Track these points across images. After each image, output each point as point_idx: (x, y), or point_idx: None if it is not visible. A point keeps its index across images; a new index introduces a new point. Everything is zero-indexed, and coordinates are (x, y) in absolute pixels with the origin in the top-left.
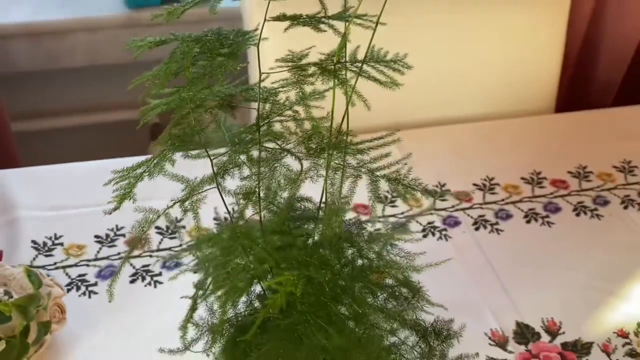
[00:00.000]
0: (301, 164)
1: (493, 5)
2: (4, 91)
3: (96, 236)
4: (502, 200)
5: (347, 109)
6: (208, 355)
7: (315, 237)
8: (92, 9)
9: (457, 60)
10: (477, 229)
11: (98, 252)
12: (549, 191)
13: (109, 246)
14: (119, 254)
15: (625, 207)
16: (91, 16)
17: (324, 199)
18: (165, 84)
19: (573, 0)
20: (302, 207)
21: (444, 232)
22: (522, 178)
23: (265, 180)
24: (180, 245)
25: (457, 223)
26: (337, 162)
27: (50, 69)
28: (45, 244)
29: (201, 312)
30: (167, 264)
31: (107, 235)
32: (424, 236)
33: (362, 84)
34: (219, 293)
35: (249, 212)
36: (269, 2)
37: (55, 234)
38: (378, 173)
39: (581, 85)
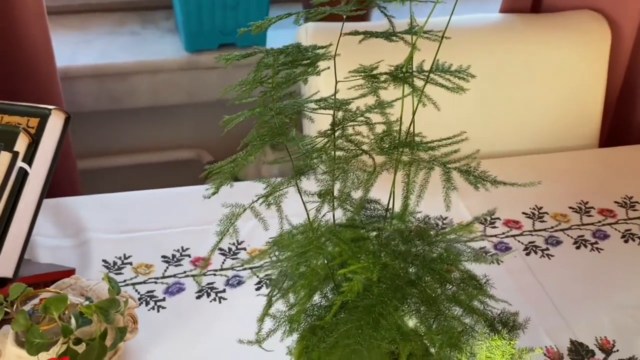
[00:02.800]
0: (374, 161)
1: (540, 48)
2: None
3: (163, 256)
4: (552, 227)
5: (414, 112)
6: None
7: (386, 232)
8: (154, 52)
9: (503, 98)
10: (527, 254)
11: (165, 270)
12: (596, 219)
13: (175, 265)
14: (184, 272)
15: None
16: (153, 59)
17: (395, 198)
18: (252, 90)
19: (613, 43)
20: (372, 207)
21: (495, 256)
22: (570, 207)
23: (340, 180)
24: (242, 265)
25: (508, 248)
26: (409, 157)
27: (113, 109)
28: (115, 263)
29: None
30: (230, 281)
31: (174, 256)
32: (475, 262)
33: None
34: (299, 284)
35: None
36: (343, 22)
37: (124, 254)
38: (450, 166)
39: (622, 125)
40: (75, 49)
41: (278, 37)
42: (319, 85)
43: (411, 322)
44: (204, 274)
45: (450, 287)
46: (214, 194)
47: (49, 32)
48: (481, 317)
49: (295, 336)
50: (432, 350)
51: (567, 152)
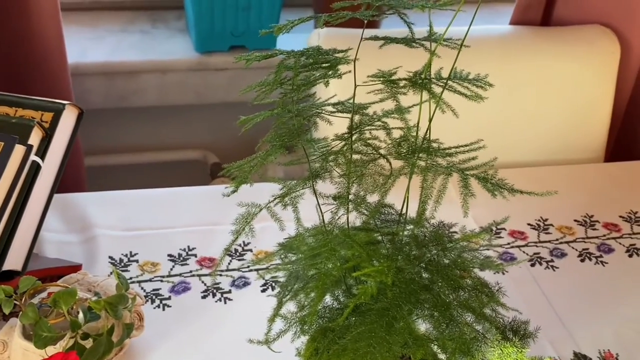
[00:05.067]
0: (391, 166)
1: (549, 61)
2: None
3: (169, 255)
4: (557, 239)
5: (430, 118)
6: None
7: (401, 236)
8: (164, 52)
9: (510, 110)
10: (532, 265)
11: (171, 269)
12: (601, 233)
13: (181, 264)
14: (190, 272)
15: None
16: (162, 59)
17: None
18: (272, 90)
19: (622, 58)
20: (386, 212)
21: (488, 269)
22: (575, 220)
23: (356, 183)
24: (248, 267)
25: (512, 259)
26: (427, 162)
27: (120, 107)
28: (121, 260)
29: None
30: (236, 282)
31: (180, 255)
32: (481, 270)
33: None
34: (310, 286)
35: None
36: (364, 27)
37: (130, 252)
38: (468, 172)
39: (628, 140)
40: (85, 46)
41: (288, 41)
42: (331, 88)
43: (421, 328)
44: (216, 274)
45: (463, 293)
46: (233, 192)
47: (62, 29)
48: (493, 325)
49: (304, 338)
50: (443, 356)
51: (573, 166)
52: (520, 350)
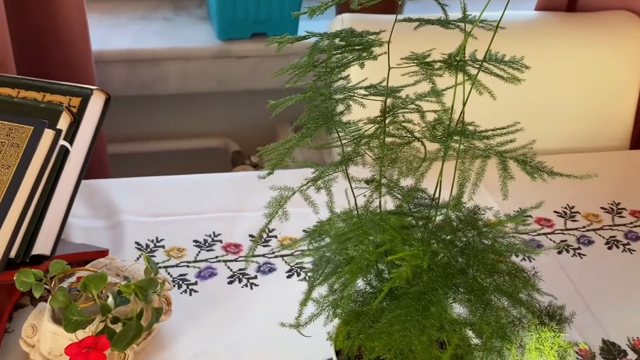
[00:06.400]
0: (425, 149)
1: (574, 47)
2: None
3: (195, 241)
4: (584, 227)
5: (464, 101)
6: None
7: (435, 220)
8: (186, 39)
9: (535, 97)
10: (559, 252)
11: (197, 255)
12: (628, 220)
13: (207, 250)
14: (216, 257)
15: None
16: (185, 46)
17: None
18: (306, 72)
19: None
20: (419, 196)
21: (527, 254)
22: (602, 208)
23: (390, 167)
24: (273, 252)
25: (539, 246)
26: (464, 145)
27: (142, 95)
28: (147, 245)
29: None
30: (262, 268)
31: (205, 241)
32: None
33: None
34: (344, 269)
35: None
36: (397, 13)
37: (157, 237)
38: (507, 155)
39: None
40: (108, 33)
41: (309, 28)
42: (361, 72)
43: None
44: (251, 261)
45: (499, 278)
46: (269, 174)
47: (87, 17)
48: (529, 309)
49: (334, 322)
50: (477, 340)
51: (599, 153)
52: (557, 334)
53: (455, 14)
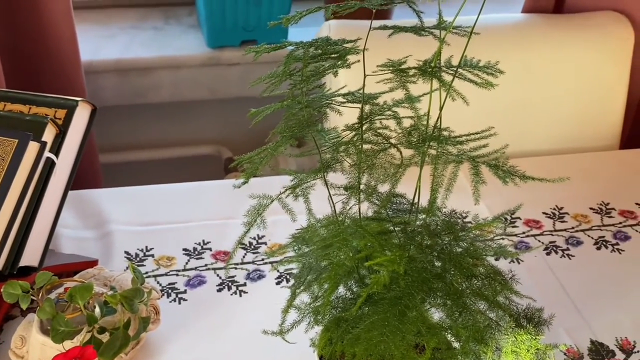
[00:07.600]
0: (401, 155)
1: (562, 48)
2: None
3: (184, 249)
4: (572, 228)
5: (441, 107)
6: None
7: (412, 226)
8: (176, 48)
9: (524, 98)
10: (548, 254)
11: (186, 263)
12: (617, 221)
13: (197, 258)
14: (205, 265)
15: None
16: (175, 55)
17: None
18: (281, 82)
19: (636, 44)
20: (397, 201)
21: (503, 256)
22: (591, 208)
23: (367, 173)
24: (263, 260)
25: (528, 248)
26: (437, 151)
27: (134, 104)
28: (137, 254)
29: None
30: (251, 275)
31: (195, 249)
32: (496, 259)
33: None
34: (323, 276)
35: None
36: (372, 17)
37: (146, 246)
38: (478, 160)
39: None
40: (98, 43)
41: (299, 34)
42: (340, 79)
43: (434, 317)
44: (230, 267)
45: (476, 281)
46: (244, 183)
47: (75, 28)
48: (506, 312)
49: (318, 329)
50: (456, 344)
51: (588, 153)
52: (534, 337)
53: (450, 18)
